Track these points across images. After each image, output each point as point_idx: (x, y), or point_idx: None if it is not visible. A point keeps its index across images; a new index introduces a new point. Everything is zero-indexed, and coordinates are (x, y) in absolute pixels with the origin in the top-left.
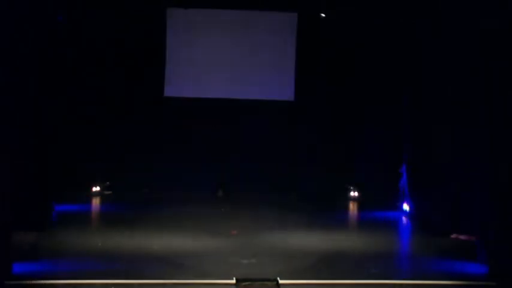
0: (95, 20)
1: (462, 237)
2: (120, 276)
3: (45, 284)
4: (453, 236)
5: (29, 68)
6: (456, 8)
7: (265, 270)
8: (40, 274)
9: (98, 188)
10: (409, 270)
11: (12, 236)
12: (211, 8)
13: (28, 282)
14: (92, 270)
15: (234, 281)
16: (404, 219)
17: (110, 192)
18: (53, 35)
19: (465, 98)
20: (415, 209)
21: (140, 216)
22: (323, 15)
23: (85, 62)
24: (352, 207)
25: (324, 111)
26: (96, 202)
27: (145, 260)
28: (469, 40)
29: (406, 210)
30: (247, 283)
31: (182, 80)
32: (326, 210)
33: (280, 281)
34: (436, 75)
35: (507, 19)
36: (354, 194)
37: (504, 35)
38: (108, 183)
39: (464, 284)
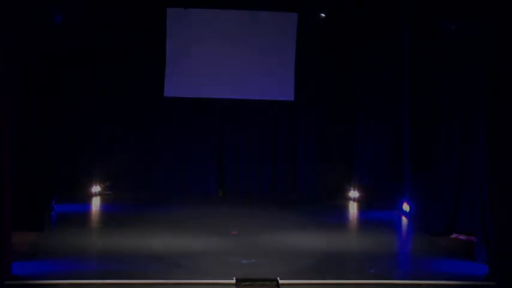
0: (95, 19)
1: (462, 237)
2: (120, 276)
3: (45, 284)
4: (453, 236)
5: (30, 68)
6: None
7: (265, 270)
8: (40, 274)
9: (98, 188)
10: (409, 270)
11: (12, 236)
12: (211, 8)
13: (28, 282)
14: (92, 270)
15: (234, 281)
16: (404, 219)
17: (109, 192)
18: (51, 35)
19: (465, 98)
20: (415, 209)
21: (140, 216)
22: (323, 15)
23: (85, 62)
24: (352, 207)
25: (324, 111)
26: (96, 202)
27: (145, 260)
28: (470, 38)
29: (406, 210)
30: (247, 283)
31: (182, 80)
32: (326, 210)
33: (280, 281)
34: (435, 74)
35: None
36: (353, 194)
37: None
38: (108, 183)
39: (465, 284)
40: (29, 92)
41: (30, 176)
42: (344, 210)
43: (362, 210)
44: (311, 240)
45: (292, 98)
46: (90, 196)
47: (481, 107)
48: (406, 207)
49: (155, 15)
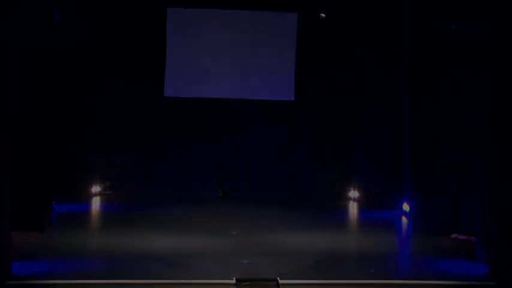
0: (95, 19)
1: (462, 237)
2: (120, 276)
3: (45, 284)
4: (453, 236)
5: (30, 68)
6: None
7: (265, 270)
8: (40, 274)
9: (98, 188)
10: (409, 270)
11: (12, 236)
12: (211, 8)
13: (28, 282)
14: (92, 270)
15: (234, 281)
16: (404, 219)
17: (109, 192)
18: (51, 35)
19: (465, 98)
20: (415, 209)
21: (140, 216)
22: (323, 15)
23: (85, 62)
24: (352, 207)
25: (324, 111)
26: (96, 202)
27: (145, 260)
28: (470, 39)
29: (406, 210)
30: (247, 283)
31: (182, 80)
32: (326, 210)
33: (280, 281)
34: (436, 74)
35: None
36: (353, 194)
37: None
38: (108, 183)
39: (464, 284)
40: (29, 92)
41: (30, 176)
42: (344, 210)
43: (362, 210)
44: (311, 240)
45: (292, 98)
46: (90, 196)
47: (482, 105)
48: (406, 207)
49: (155, 15)
